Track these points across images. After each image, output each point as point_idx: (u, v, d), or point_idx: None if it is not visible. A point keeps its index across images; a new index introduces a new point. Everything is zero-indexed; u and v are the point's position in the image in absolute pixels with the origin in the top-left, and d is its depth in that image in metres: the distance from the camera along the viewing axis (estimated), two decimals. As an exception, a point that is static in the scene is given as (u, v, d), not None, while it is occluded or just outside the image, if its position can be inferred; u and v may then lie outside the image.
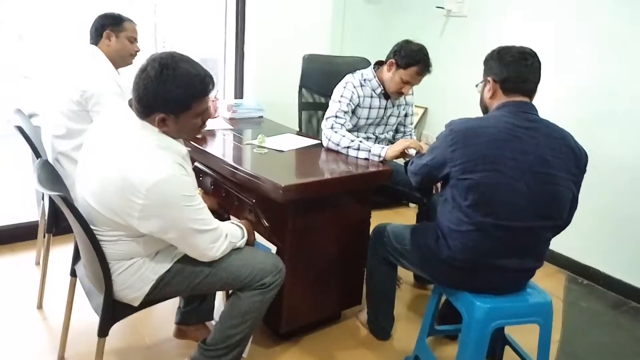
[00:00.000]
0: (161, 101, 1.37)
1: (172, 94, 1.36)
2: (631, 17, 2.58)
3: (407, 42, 2.33)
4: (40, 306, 2.24)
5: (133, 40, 2.20)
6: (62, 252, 2.61)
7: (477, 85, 1.78)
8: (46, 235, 2.17)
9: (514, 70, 1.61)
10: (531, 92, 1.65)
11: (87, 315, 2.08)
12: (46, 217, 2.16)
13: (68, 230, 2.50)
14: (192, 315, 2.01)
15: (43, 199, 2.40)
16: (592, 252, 2.86)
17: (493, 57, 1.66)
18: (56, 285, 2.32)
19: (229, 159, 2.10)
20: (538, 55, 1.66)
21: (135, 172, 1.36)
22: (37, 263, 2.59)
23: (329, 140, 2.27)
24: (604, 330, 2.45)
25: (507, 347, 2.02)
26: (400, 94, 2.40)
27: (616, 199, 2.70)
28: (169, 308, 2.07)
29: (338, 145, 2.23)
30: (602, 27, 2.71)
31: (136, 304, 1.56)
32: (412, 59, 2.27)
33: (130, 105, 1.46)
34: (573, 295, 2.74)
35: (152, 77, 1.35)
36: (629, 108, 2.62)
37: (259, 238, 1.98)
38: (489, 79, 1.66)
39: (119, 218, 1.41)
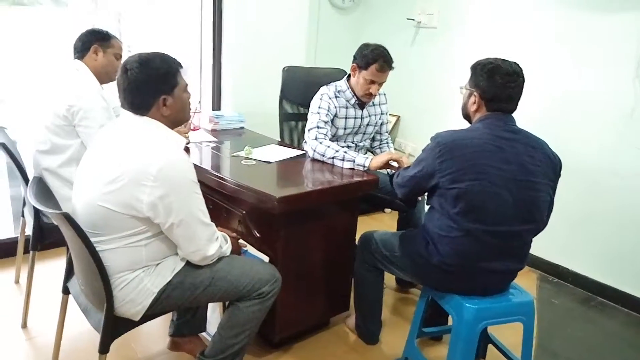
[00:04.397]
0: (155, 81, 1.49)
1: (161, 71, 1.50)
2: (584, 28, 2.77)
3: (365, 45, 2.42)
4: (24, 325, 2.19)
5: (119, 57, 2.21)
6: (44, 269, 2.57)
7: (461, 88, 1.86)
8: (31, 252, 2.12)
9: (502, 92, 1.71)
10: (513, 109, 1.76)
11: (76, 332, 2.08)
12: (30, 234, 2.11)
13: (51, 246, 2.48)
14: (186, 327, 2.02)
15: (23, 215, 2.36)
16: (561, 252, 3.02)
17: (483, 73, 1.73)
18: (41, 303, 2.29)
19: (218, 170, 2.13)
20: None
21: (145, 157, 1.44)
22: (17, 281, 2.53)
23: (314, 151, 2.32)
24: (576, 325, 2.60)
25: (489, 346, 2.13)
26: (369, 95, 2.46)
27: (579, 200, 2.87)
28: (159, 322, 2.07)
29: (323, 155, 2.29)
30: (559, 37, 2.89)
31: (137, 318, 1.56)
32: (371, 57, 2.36)
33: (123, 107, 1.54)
34: (545, 293, 2.89)
35: (137, 68, 1.47)
36: (585, 112, 2.81)
37: (250, 249, 2.02)
38: (476, 93, 1.75)
39: (130, 208, 1.44)
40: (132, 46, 4.28)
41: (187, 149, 2.37)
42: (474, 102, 1.76)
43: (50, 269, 2.58)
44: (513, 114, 1.77)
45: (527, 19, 3.03)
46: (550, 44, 2.93)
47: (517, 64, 1.74)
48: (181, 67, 1.57)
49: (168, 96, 1.51)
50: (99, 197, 1.46)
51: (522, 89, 1.73)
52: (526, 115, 1.99)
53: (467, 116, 1.86)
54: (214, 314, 2.24)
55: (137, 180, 1.42)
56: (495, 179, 1.64)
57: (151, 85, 1.49)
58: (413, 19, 3.66)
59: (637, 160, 2.63)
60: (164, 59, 1.53)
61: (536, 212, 1.71)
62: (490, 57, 1.76)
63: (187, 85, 1.59)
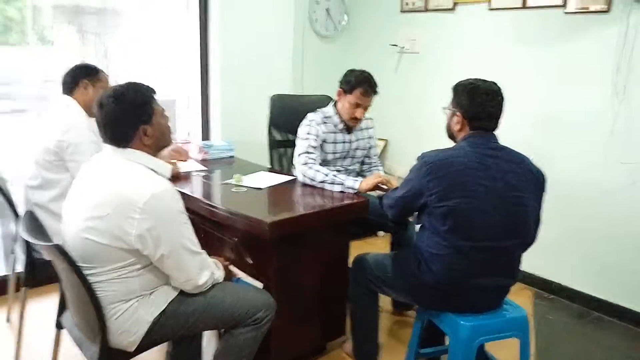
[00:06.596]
0: (133, 112, 1.51)
1: (137, 101, 1.52)
2: (563, 50, 2.86)
3: (350, 71, 2.49)
4: (16, 364, 2.15)
5: None
6: (36, 307, 2.53)
7: (444, 109, 1.91)
8: (22, 289, 2.10)
9: (483, 110, 1.76)
10: (495, 127, 1.81)
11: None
12: (21, 270, 2.10)
13: (43, 283, 2.46)
14: (181, 358, 1.99)
15: (13, 252, 2.34)
16: (554, 268, 3.04)
17: (464, 93, 1.78)
18: (33, 341, 2.25)
19: (209, 199, 2.14)
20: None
21: (131, 189, 1.44)
22: (8, 320, 2.49)
23: (304, 176, 2.35)
24: (573, 340, 2.60)
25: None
26: (355, 119, 2.51)
27: (569, 216, 2.90)
28: (154, 353, 2.03)
29: (313, 180, 2.31)
30: (539, 60, 2.97)
31: (132, 349, 1.55)
32: (355, 82, 2.43)
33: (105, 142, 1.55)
34: (540, 310, 2.89)
35: (112, 103, 1.48)
36: (567, 130, 2.88)
37: (243, 276, 2.01)
38: (458, 113, 1.79)
39: (118, 241, 1.44)
40: (119, 80, 4.33)
41: (178, 176, 2.39)
42: (457, 122, 1.81)
43: (42, 307, 2.54)
44: (495, 132, 1.81)
45: (508, 43, 3.12)
46: (531, 66, 3.01)
47: (496, 84, 1.80)
48: (154, 92, 1.59)
49: (147, 125, 1.53)
50: (83, 229, 1.47)
51: (501, 107, 1.78)
52: (511, 135, 2.05)
53: (451, 136, 1.91)
54: (209, 344, 2.21)
55: (124, 213, 1.42)
56: (481, 196, 1.67)
57: (129, 118, 1.51)
58: (396, 45, 3.75)
59: (621, 173, 2.69)
60: (136, 89, 1.54)
61: (523, 227, 1.74)
62: (470, 78, 1.82)
63: (163, 110, 1.61)
